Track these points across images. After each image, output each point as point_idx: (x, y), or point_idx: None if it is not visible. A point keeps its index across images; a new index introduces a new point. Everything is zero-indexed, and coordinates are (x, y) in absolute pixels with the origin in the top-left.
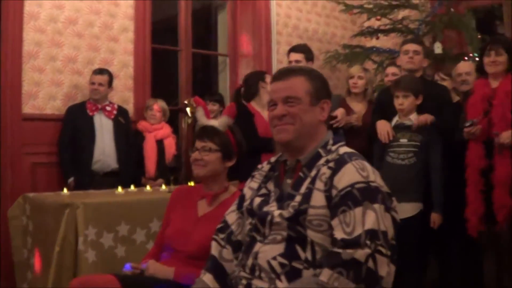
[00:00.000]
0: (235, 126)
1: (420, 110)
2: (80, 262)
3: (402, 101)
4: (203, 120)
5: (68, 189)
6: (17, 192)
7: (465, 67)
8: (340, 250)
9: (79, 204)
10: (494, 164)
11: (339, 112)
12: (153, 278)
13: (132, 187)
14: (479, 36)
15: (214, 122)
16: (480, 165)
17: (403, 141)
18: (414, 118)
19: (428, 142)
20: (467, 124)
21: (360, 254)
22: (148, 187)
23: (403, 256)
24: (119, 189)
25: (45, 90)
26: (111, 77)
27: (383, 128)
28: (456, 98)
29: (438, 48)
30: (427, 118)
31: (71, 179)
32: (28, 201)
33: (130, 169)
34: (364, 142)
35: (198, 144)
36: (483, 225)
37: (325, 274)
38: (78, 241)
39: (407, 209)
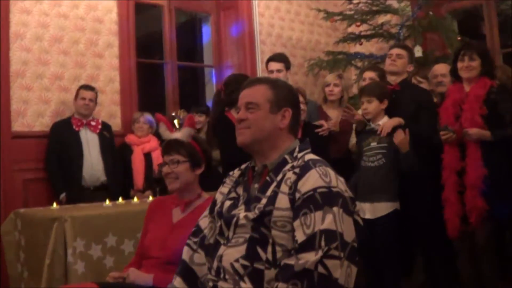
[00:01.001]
0: (197, 135)
1: (398, 114)
2: (70, 274)
3: (366, 106)
4: (166, 134)
5: (60, 205)
6: (9, 208)
7: (441, 69)
8: (292, 262)
9: (67, 217)
10: (466, 166)
11: (323, 121)
12: (133, 285)
13: (120, 199)
14: (459, 38)
15: (177, 135)
16: (456, 168)
17: (373, 144)
18: (382, 123)
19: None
20: (441, 129)
21: (310, 263)
22: (135, 199)
23: (381, 254)
24: (107, 201)
25: (33, 107)
26: (97, 94)
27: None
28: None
29: (418, 52)
30: (391, 124)
31: (63, 195)
32: (19, 217)
33: (118, 182)
34: (342, 147)
35: (166, 158)
36: (462, 226)
37: None
38: (67, 253)
39: (380, 209)
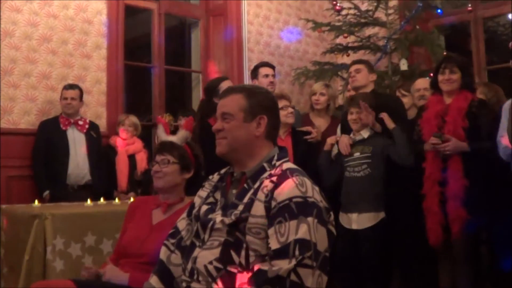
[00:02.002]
0: (192, 141)
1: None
2: (49, 271)
3: (357, 116)
4: (163, 136)
5: (43, 202)
6: None
7: (423, 83)
8: (266, 268)
9: (47, 215)
10: (447, 177)
11: (310, 128)
12: (109, 283)
13: (102, 199)
14: (445, 53)
15: (172, 138)
16: (438, 178)
17: (356, 154)
18: (365, 134)
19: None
20: (435, 135)
21: (284, 270)
22: (116, 200)
23: (365, 265)
24: (88, 201)
25: (20, 105)
26: (81, 91)
27: (344, 140)
28: (415, 113)
29: (403, 65)
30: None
31: (46, 193)
32: (0, 213)
33: (102, 182)
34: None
35: (158, 157)
36: (444, 235)
37: None
38: (47, 250)
39: (365, 220)
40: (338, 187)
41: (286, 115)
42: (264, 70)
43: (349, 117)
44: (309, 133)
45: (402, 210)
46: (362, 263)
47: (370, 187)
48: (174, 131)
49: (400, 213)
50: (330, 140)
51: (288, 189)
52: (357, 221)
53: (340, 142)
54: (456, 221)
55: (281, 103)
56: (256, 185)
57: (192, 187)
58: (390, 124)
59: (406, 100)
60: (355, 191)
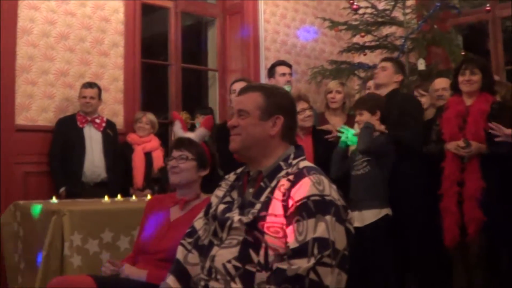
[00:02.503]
0: (210, 139)
1: (384, 120)
2: (66, 267)
3: (358, 118)
4: (180, 132)
5: (60, 199)
6: (9, 200)
7: (441, 83)
8: (285, 267)
9: (65, 211)
10: (465, 178)
11: (331, 126)
12: (127, 280)
13: (119, 196)
14: (463, 53)
15: (190, 135)
16: (457, 179)
17: (360, 155)
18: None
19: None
20: (464, 141)
21: (303, 269)
22: (133, 197)
23: (371, 261)
24: (106, 198)
25: (38, 102)
26: (100, 90)
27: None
28: (433, 113)
29: (421, 65)
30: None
31: (62, 189)
32: (18, 208)
33: (118, 179)
34: None
35: (175, 153)
36: (460, 236)
37: None
38: (64, 246)
39: (367, 216)
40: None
41: (303, 119)
42: (281, 69)
43: (356, 118)
44: (329, 132)
45: (409, 208)
46: (368, 260)
47: (371, 184)
48: (190, 129)
49: (407, 210)
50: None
51: (305, 187)
52: (359, 218)
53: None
54: (472, 222)
55: (299, 106)
56: (273, 184)
57: (208, 185)
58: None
59: (424, 100)
60: (357, 189)
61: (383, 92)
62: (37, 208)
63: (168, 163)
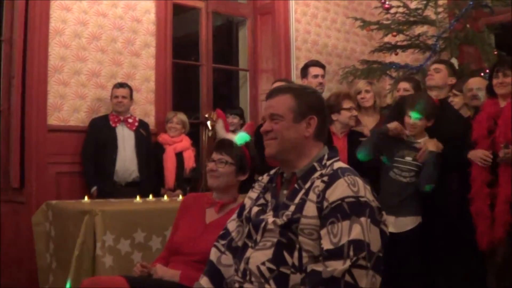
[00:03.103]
0: (251, 143)
1: (433, 133)
2: (98, 266)
3: (415, 122)
4: (222, 132)
5: (91, 198)
6: (41, 199)
7: (475, 82)
8: (320, 269)
9: (97, 211)
10: (498, 181)
11: (366, 127)
12: (160, 280)
13: (151, 196)
14: (495, 52)
15: (232, 136)
16: (487, 180)
17: (408, 159)
18: (423, 141)
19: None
20: (505, 146)
21: (338, 271)
22: (165, 197)
23: (402, 269)
24: (138, 198)
25: (70, 102)
26: (131, 90)
27: (395, 125)
28: (467, 114)
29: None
30: (438, 145)
31: (94, 189)
32: (50, 208)
33: (150, 179)
34: None
35: (215, 156)
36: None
37: None
38: (96, 246)
39: (406, 223)
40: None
41: (349, 117)
42: (314, 70)
43: (406, 120)
44: (365, 135)
45: (439, 212)
46: (402, 265)
47: (413, 193)
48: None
49: (438, 215)
50: (394, 125)
51: (340, 189)
52: (395, 224)
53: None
54: (503, 226)
55: (348, 104)
56: (307, 185)
57: (246, 186)
58: (431, 147)
59: (457, 100)
60: (397, 195)
61: (437, 95)
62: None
63: (207, 164)
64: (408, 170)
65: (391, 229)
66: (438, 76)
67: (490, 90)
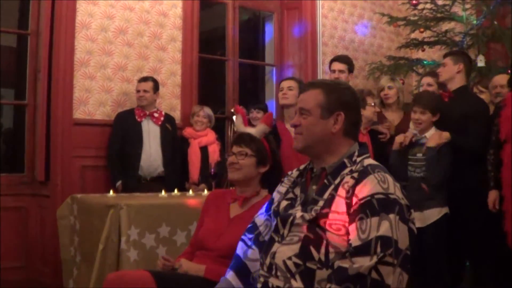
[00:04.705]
0: (270, 135)
1: (446, 121)
2: (123, 261)
3: (419, 117)
4: (241, 127)
5: (116, 192)
6: (66, 193)
7: (500, 79)
8: (346, 265)
9: (122, 205)
10: None
11: (385, 127)
12: (185, 275)
13: (176, 191)
14: None
15: (251, 130)
16: None
17: (419, 155)
18: (428, 136)
19: (439, 152)
20: None
21: (365, 268)
22: (190, 192)
23: (429, 263)
24: (163, 192)
25: (95, 96)
26: (156, 83)
27: (399, 139)
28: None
29: (481, 61)
30: (439, 139)
31: (119, 183)
32: (75, 202)
33: (175, 174)
34: None
35: (235, 149)
36: None
37: None
38: (121, 240)
39: (430, 215)
40: None
41: (373, 112)
42: (333, 65)
43: (412, 116)
44: (382, 133)
45: (474, 211)
46: (427, 260)
47: (431, 187)
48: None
49: (473, 213)
50: (398, 138)
51: (369, 185)
52: (420, 219)
53: (404, 138)
54: None
55: (371, 100)
56: (336, 181)
57: (268, 180)
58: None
59: (483, 97)
60: (417, 190)
61: (450, 87)
62: None
63: (227, 158)
64: (421, 166)
65: (418, 224)
66: (444, 70)
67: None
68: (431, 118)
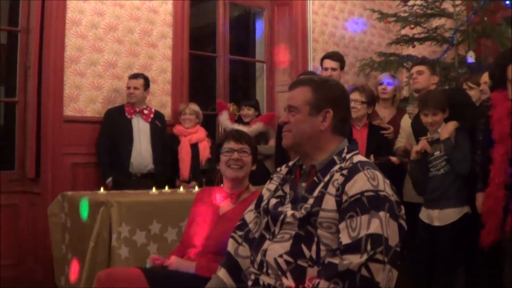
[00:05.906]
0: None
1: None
2: (113, 258)
3: (433, 119)
4: (227, 123)
5: (106, 189)
6: (57, 190)
7: (486, 76)
8: (336, 261)
9: (113, 202)
10: None
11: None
12: (176, 272)
13: (166, 188)
14: None
15: (244, 128)
16: (504, 182)
17: (437, 153)
18: (440, 131)
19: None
20: None
21: (354, 265)
22: (181, 189)
23: (443, 261)
24: (153, 189)
25: (86, 93)
26: (146, 80)
27: (423, 143)
28: None
29: (471, 57)
30: (450, 129)
31: (109, 180)
32: (66, 199)
33: (165, 171)
34: None
35: (236, 146)
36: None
37: (322, 285)
38: (112, 237)
39: (450, 215)
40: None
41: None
42: (325, 63)
43: (424, 120)
44: (386, 128)
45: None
46: (439, 259)
47: (451, 183)
48: (237, 121)
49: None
50: (416, 148)
51: (359, 182)
52: (439, 217)
53: (422, 147)
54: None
55: (354, 96)
56: (326, 179)
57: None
58: (443, 135)
59: (473, 93)
60: (437, 189)
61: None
62: (84, 206)
63: (226, 155)
64: (439, 163)
65: (436, 222)
66: (421, 78)
67: (498, 80)
68: (443, 116)
